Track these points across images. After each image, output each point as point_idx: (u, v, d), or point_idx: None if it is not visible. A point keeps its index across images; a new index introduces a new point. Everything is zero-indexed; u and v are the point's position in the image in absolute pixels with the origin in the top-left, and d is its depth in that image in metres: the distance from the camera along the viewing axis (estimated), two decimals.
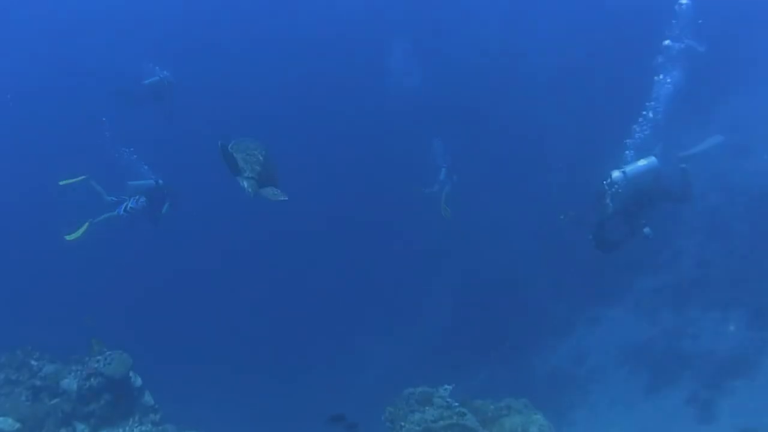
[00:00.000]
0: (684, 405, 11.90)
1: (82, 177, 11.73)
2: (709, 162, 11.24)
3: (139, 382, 9.38)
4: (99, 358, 9.11)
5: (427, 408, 8.15)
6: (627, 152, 11.40)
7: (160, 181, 12.19)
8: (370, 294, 18.08)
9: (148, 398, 9.45)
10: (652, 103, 12.14)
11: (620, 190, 10.25)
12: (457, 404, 8.21)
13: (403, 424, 8.10)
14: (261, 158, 7.27)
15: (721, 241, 14.98)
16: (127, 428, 9.13)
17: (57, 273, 18.80)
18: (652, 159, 10.35)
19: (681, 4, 12.76)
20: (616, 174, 10.36)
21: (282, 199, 7.15)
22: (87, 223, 11.21)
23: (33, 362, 9.64)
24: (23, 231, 20.26)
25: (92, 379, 8.98)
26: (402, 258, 19.44)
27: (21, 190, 21.77)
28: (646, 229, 10.49)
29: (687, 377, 12.45)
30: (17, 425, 8.78)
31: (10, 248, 19.44)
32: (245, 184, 7.09)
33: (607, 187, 10.37)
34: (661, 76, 12.51)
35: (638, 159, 10.49)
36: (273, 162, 7.50)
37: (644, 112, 11.96)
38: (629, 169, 10.38)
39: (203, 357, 15.46)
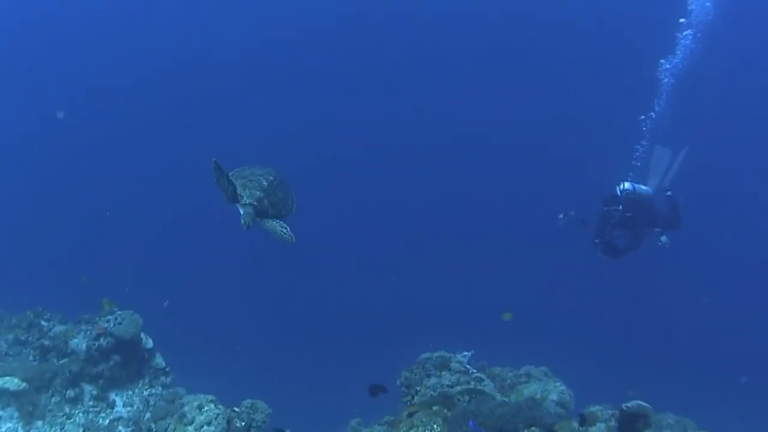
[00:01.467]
0: None
1: None
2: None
3: (150, 343, 9.20)
4: (109, 317, 8.95)
5: (443, 373, 7.95)
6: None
7: None
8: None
9: (159, 360, 9.29)
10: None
11: (631, 198, 10.39)
12: (475, 370, 8.02)
13: (418, 388, 7.92)
14: (265, 183, 6.51)
15: None
16: (137, 390, 9.01)
17: (74, 236, 18.91)
18: (648, 189, 10.83)
19: None
20: (627, 184, 10.61)
21: (288, 238, 6.39)
22: None
23: (43, 323, 9.50)
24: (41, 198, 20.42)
25: (102, 340, 8.83)
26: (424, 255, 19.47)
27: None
28: (663, 238, 10.49)
29: None
30: (23, 385, 8.60)
31: (34, 214, 19.61)
32: (241, 211, 6.33)
33: (619, 193, 10.43)
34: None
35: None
36: (286, 190, 6.75)
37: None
38: (636, 185, 10.70)
39: (219, 323, 15.35)
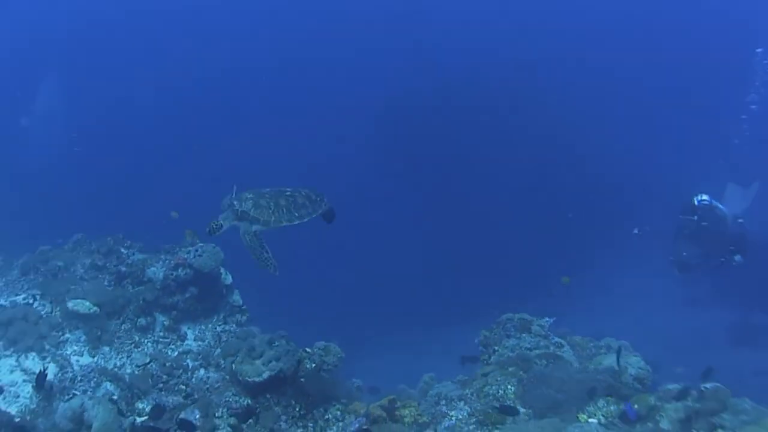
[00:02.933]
0: None
1: None
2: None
3: (229, 279, 9.11)
4: (190, 249, 8.92)
5: (524, 335, 7.96)
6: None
7: None
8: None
9: (236, 298, 9.16)
10: None
11: (708, 209, 10.44)
12: (555, 336, 8.01)
13: (496, 348, 7.93)
14: (267, 189, 6.38)
15: None
16: (210, 325, 8.89)
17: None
18: (725, 209, 10.94)
19: None
20: (705, 196, 10.73)
21: (270, 268, 6.15)
22: None
23: (123, 250, 9.49)
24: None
25: (180, 270, 8.76)
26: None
27: None
28: (737, 257, 10.47)
29: None
30: (94, 308, 8.44)
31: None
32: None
33: (697, 203, 10.46)
34: None
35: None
36: (303, 203, 6.46)
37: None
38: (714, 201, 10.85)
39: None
